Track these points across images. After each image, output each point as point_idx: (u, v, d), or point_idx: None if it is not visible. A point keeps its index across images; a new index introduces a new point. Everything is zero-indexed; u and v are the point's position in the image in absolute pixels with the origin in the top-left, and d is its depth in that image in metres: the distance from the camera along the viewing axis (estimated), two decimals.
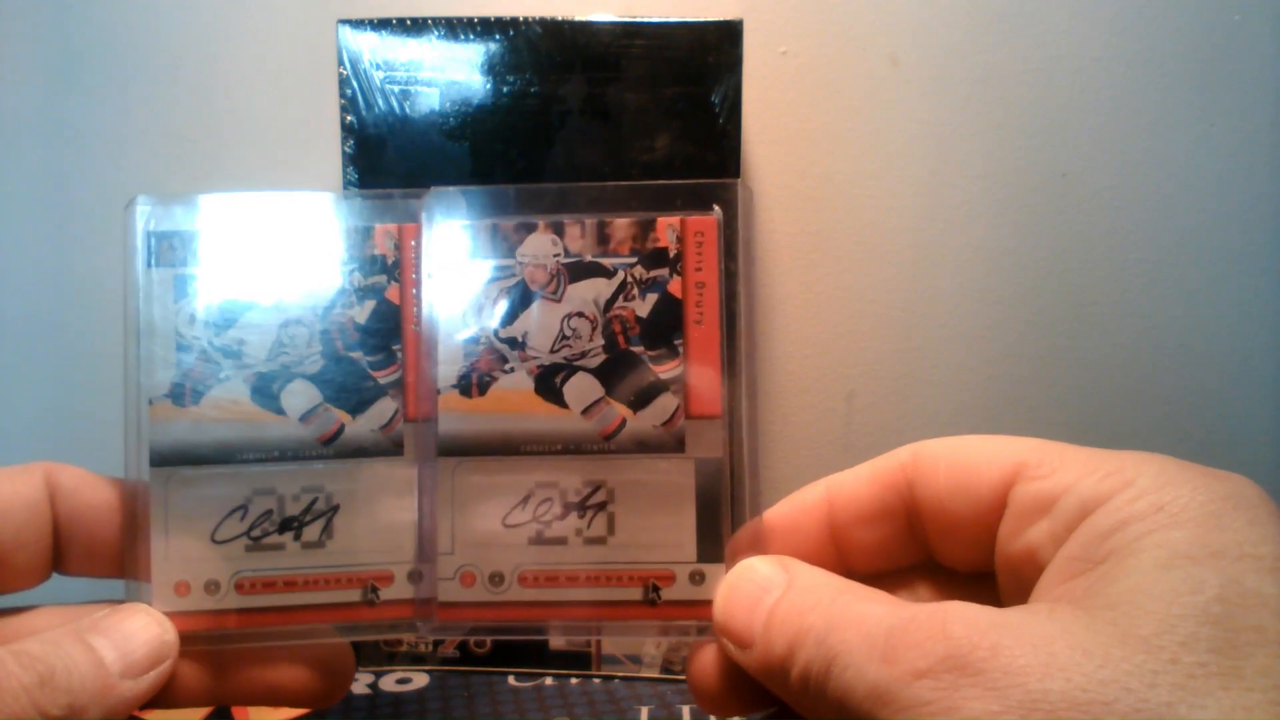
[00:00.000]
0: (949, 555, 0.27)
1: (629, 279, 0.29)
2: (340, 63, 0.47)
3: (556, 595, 0.28)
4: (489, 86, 0.47)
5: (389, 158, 0.47)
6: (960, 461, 0.25)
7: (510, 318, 0.29)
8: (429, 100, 0.47)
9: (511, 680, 0.47)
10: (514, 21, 0.46)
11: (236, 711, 0.44)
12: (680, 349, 0.28)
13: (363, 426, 0.29)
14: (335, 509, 0.29)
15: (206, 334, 0.29)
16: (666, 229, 0.29)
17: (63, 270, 0.57)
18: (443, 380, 0.29)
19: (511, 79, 0.47)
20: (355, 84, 0.47)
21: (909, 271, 0.55)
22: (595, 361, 0.29)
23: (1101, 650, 0.18)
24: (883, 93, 0.54)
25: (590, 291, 0.29)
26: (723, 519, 0.28)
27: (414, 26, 0.47)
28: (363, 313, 0.30)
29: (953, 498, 0.25)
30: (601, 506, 0.28)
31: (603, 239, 0.29)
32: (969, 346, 0.56)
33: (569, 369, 0.29)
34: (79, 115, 0.56)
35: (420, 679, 0.47)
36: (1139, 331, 0.55)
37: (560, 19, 0.46)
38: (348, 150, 0.47)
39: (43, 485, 0.28)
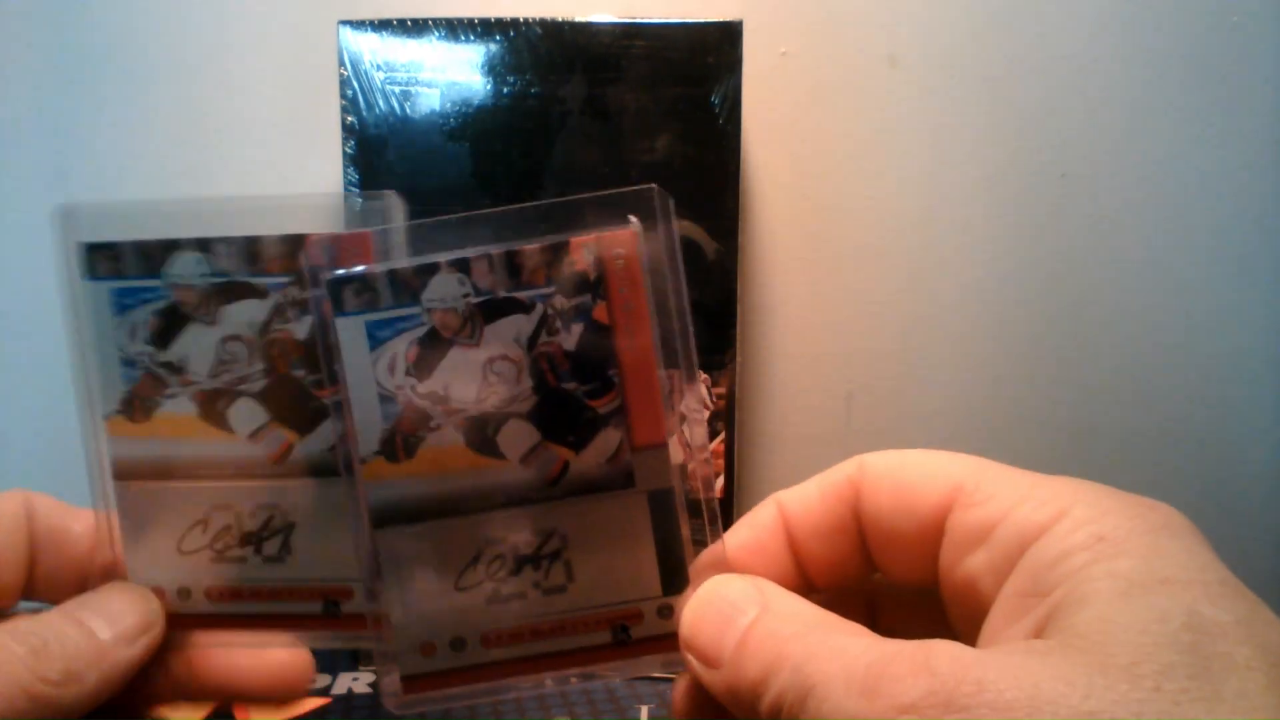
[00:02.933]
0: (893, 572, 0.27)
1: (549, 311, 0.26)
2: (341, 63, 0.47)
3: (524, 650, 0.27)
4: (489, 87, 0.47)
5: (390, 158, 0.47)
6: (901, 482, 0.25)
7: (427, 371, 0.27)
8: (429, 101, 0.47)
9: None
10: (514, 22, 0.46)
11: (237, 711, 0.44)
12: (615, 379, 0.26)
13: (312, 446, 0.29)
14: (291, 526, 0.29)
15: (148, 350, 0.28)
16: (582, 250, 0.26)
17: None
18: (364, 446, 0.26)
19: (512, 80, 0.47)
20: (356, 85, 0.47)
21: (909, 272, 0.55)
22: (526, 405, 0.27)
23: (1084, 681, 0.18)
24: (882, 93, 0.54)
25: (509, 331, 0.27)
26: (684, 548, 0.27)
27: (414, 27, 0.47)
28: (301, 329, 0.28)
29: (894, 519, 0.25)
30: (556, 555, 0.27)
31: (513, 271, 0.26)
32: (969, 346, 0.56)
33: (500, 417, 0.27)
34: (80, 116, 0.56)
35: None
36: (1138, 331, 0.55)
37: (560, 20, 0.46)
38: (348, 151, 0.47)
39: (23, 510, 0.29)
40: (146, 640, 0.27)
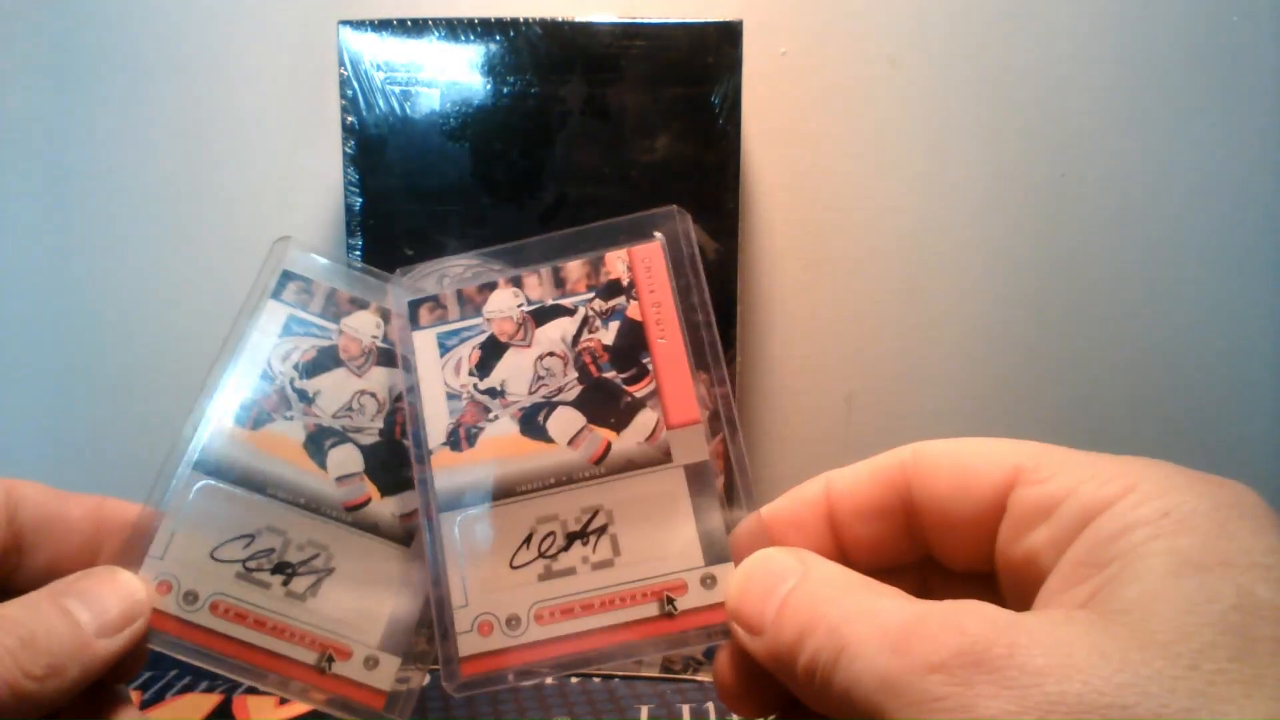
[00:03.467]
0: (948, 555, 0.27)
1: (590, 312, 0.30)
2: (341, 63, 0.47)
3: (575, 627, 0.28)
4: (489, 87, 0.47)
5: (389, 158, 0.47)
6: (960, 464, 0.25)
7: (487, 370, 0.30)
8: (429, 101, 0.47)
9: (511, 679, 0.47)
10: (514, 22, 0.46)
11: (237, 710, 0.44)
12: (649, 366, 0.30)
13: (386, 507, 0.30)
14: (330, 571, 0.30)
15: (291, 374, 0.31)
16: (616, 261, 0.30)
17: (65, 269, 0.57)
18: (432, 439, 0.30)
19: (512, 79, 0.47)
20: (356, 85, 0.47)
21: (908, 272, 0.55)
22: (572, 394, 0.30)
23: (1119, 654, 0.18)
24: (882, 93, 0.54)
25: (556, 331, 0.30)
26: (723, 519, 0.28)
27: (414, 27, 0.47)
28: (376, 383, 0.31)
29: (952, 499, 0.25)
30: (603, 530, 0.29)
31: (559, 282, 0.31)
32: (968, 347, 0.56)
33: (549, 405, 0.30)
34: (80, 115, 0.56)
35: (420, 678, 0.47)
36: (1138, 331, 0.56)
37: (560, 20, 0.46)
38: (348, 151, 0.47)
39: (1, 497, 0.28)
40: (129, 634, 0.27)
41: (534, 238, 0.31)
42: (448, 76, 0.47)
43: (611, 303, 0.30)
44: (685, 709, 0.44)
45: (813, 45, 0.54)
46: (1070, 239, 0.55)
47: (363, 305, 0.32)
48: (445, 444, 0.30)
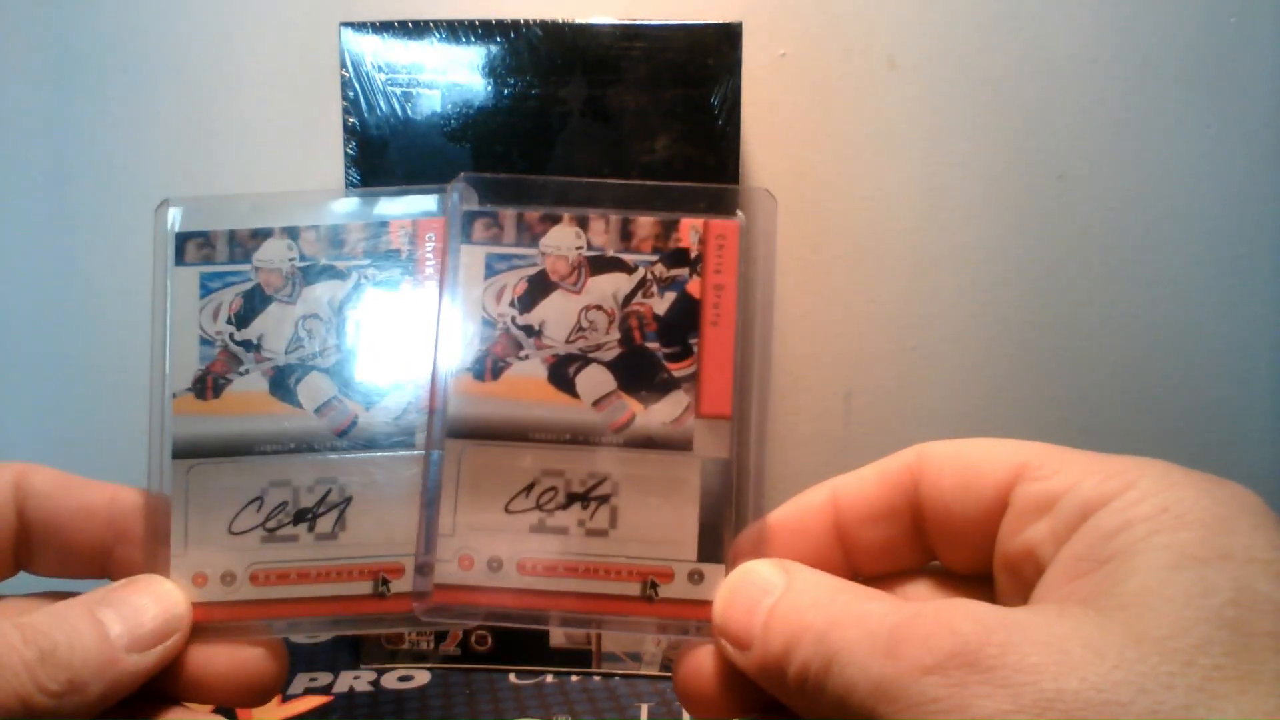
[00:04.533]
0: (951, 557, 0.27)
1: (649, 276, 0.29)
2: (342, 65, 0.47)
3: (553, 585, 0.27)
4: (490, 88, 0.47)
5: (391, 159, 0.47)
6: (964, 462, 0.26)
7: (529, 305, 0.29)
8: (431, 102, 0.47)
9: (513, 678, 0.48)
10: (515, 24, 0.47)
11: (240, 710, 0.44)
12: (695, 348, 0.29)
13: (376, 418, 0.29)
14: (348, 500, 0.29)
15: (228, 329, 0.30)
16: (689, 230, 0.29)
17: (66, 269, 0.57)
18: (457, 362, 0.29)
19: (512, 81, 0.47)
20: (357, 86, 0.47)
21: (907, 272, 0.56)
22: (610, 355, 0.29)
23: (1115, 651, 0.18)
24: (881, 95, 0.55)
25: (610, 286, 0.29)
26: (725, 520, 0.28)
27: (416, 29, 0.47)
28: (369, 303, 0.30)
29: (956, 498, 0.25)
30: (605, 499, 0.28)
31: (626, 235, 0.29)
32: (966, 347, 0.56)
33: (583, 360, 0.29)
34: (82, 118, 0.57)
35: (422, 676, 0.48)
36: (1137, 332, 0.56)
37: (561, 21, 0.46)
38: (350, 152, 0.47)
39: (10, 487, 0.28)
40: (163, 650, 0.26)
41: (613, 180, 0.29)
42: (449, 78, 0.47)
43: (673, 272, 0.29)
44: None
45: (812, 47, 0.54)
46: (1068, 239, 0.55)
47: (267, 235, 0.30)
48: (469, 370, 0.29)
